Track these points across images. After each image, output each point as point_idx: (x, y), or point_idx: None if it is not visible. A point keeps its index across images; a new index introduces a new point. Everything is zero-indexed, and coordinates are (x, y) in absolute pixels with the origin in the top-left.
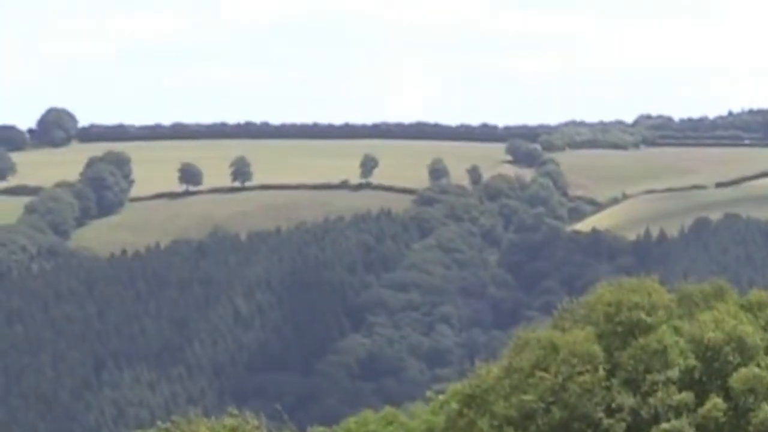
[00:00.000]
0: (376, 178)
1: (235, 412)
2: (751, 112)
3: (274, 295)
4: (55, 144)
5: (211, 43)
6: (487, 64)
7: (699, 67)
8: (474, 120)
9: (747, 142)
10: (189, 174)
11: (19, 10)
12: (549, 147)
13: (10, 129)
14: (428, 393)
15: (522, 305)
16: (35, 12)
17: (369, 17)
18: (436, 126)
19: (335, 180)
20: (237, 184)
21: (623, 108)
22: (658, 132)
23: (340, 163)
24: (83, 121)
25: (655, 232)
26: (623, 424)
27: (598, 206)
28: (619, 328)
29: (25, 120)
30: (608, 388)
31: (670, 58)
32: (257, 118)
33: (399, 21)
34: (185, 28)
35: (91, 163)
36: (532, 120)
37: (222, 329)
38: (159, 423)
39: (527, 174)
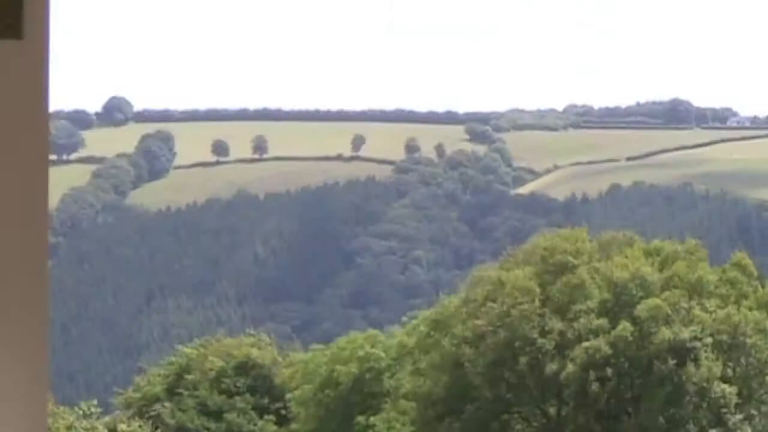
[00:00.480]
0: (363, 153)
1: (253, 332)
2: (654, 103)
3: (285, 243)
4: (116, 124)
5: (233, 45)
6: (451, 62)
7: (613, 64)
8: (440, 107)
9: (651, 126)
10: (219, 148)
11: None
12: (498, 129)
13: (81, 112)
14: (404, 319)
15: (476, 251)
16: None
17: (365, 20)
18: (411, 112)
19: (332, 154)
20: (256, 156)
21: (555, 98)
22: (582, 118)
23: (336, 140)
24: (137, 106)
25: (579, 195)
26: (553, 343)
27: (535, 174)
28: (552, 268)
29: (93, 105)
30: (542, 315)
31: (591, 56)
32: (272, 105)
33: (396, 22)
34: (217, 32)
35: (143, 139)
36: (485, 108)
37: (244, 268)
38: (196, 340)
39: (481, 150)
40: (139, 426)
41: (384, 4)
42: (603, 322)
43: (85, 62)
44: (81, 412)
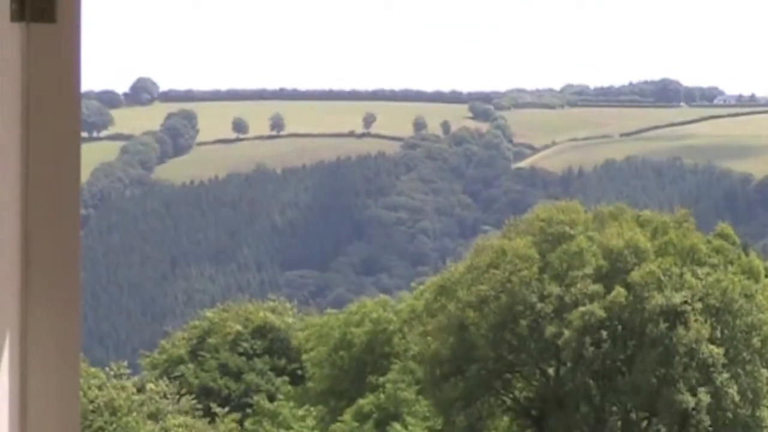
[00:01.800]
0: (374, 130)
1: (271, 298)
2: (645, 82)
3: (301, 214)
4: (143, 103)
5: (250, 33)
6: (457, 45)
7: (607, 46)
8: (445, 87)
9: (643, 104)
10: (239, 125)
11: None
12: (499, 107)
13: (110, 92)
14: (412, 285)
15: (479, 221)
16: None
17: (376, 5)
18: (418, 92)
19: (345, 131)
20: (274, 133)
21: (553, 79)
22: (578, 97)
23: (348, 118)
24: (163, 87)
25: (575, 169)
26: (551, 307)
27: (534, 150)
28: (550, 238)
29: (121, 86)
30: (541, 281)
31: (586, 38)
32: (289, 86)
33: (400, 17)
34: (236, 24)
35: (169, 117)
36: (487, 88)
37: (263, 237)
38: (218, 305)
39: (483, 127)
40: (166, 386)
41: None
42: (598, 287)
43: (114, 45)
44: (111, 373)
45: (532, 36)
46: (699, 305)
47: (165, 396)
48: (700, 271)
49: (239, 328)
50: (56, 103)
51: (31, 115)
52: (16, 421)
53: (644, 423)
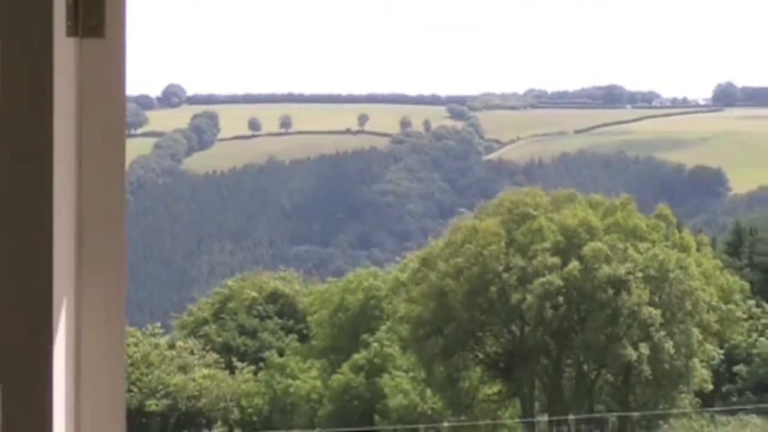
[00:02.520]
0: (367, 128)
1: (283, 269)
2: (595, 87)
3: (306, 198)
4: (172, 106)
5: (264, 42)
6: (435, 51)
7: (562, 55)
8: (426, 92)
9: (593, 106)
10: (254, 124)
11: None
12: (472, 108)
13: (145, 96)
14: (399, 258)
15: (456, 204)
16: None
17: (369, 20)
18: (403, 95)
19: (342, 128)
20: (283, 130)
21: (517, 84)
22: (539, 99)
23: (345, 118)
24: (189, 92)
25: (536, 161)
26: (516, 276)
27: (502, 144)
28: (515, 218)
29: (154, 91)
30: (507, 255)
31: (545, 49)
32: (295, 90)
33: (399, 19)
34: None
35: (194, 117)
36: (462, 92)
37: (274, 219)
38: (236, 275)
39: (459, 125)
40: (192, 343)
41: (385, 8)
42: (556, 260)
43: (148, 55)
44: (147, 332)
45: (501, 45)
46: (640, 275)
47: (192, 352)
48: (641, 246)
49: (254, 294)
50: (104, 109)
51: (83, 120)
52: (72, 373)
53: (594, 373)
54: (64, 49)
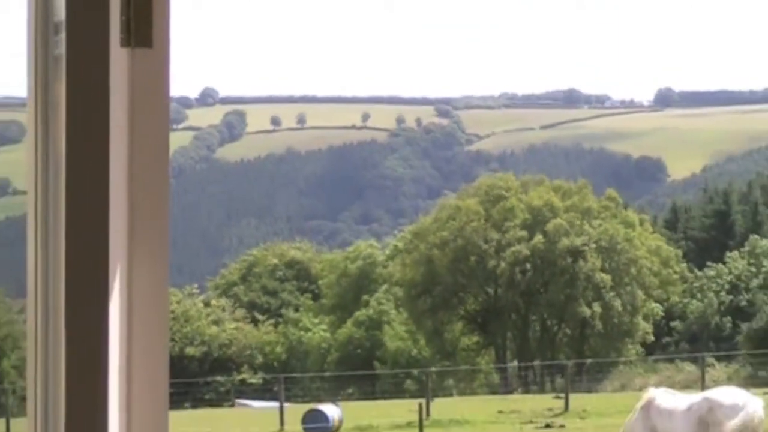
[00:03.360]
0: (369, 124)
1: (299, 240)
2: (557, 91)
3: (318, 182)
4: (208, 105)
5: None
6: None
7: (529, 63)
8: (418, 94)
9: (556, 106)
10: (275, 120)
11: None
12: (456, 108)
13: (185, 98)
14: (395, 232)
15: (442, 188)
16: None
17: (372, 29)
18: (399, 97)
19: (349, 124)
20: (299, 126)
21: (493, 88)
22: (511, 101)
23: (351, 116)
24: (222, 93)
25: (508, 152)
26: (492, 248)
27: (480, 138)
28: (491, 198)
29: (192, 93)
30: (485, 229)
31: (515, 58)
32: (309, 93)
33: (398, 20)
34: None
35: (226, 115)
36: (447, 94)
37: (292, 198)
38: (260, 245)
39: (444, 122)
40: (224, 301)
41: (386, 17)
42: (524, 234)
43: (187, 62)
44: (186, 292)
45: (478, 54)
46: (593, 246)
47: (224, 309)
48: (594, 222)
49: (275, 261)
50: (152, 109)
51: (134, 117)
52: (125, 325)
53: (555, 327)
54: (119, 58)
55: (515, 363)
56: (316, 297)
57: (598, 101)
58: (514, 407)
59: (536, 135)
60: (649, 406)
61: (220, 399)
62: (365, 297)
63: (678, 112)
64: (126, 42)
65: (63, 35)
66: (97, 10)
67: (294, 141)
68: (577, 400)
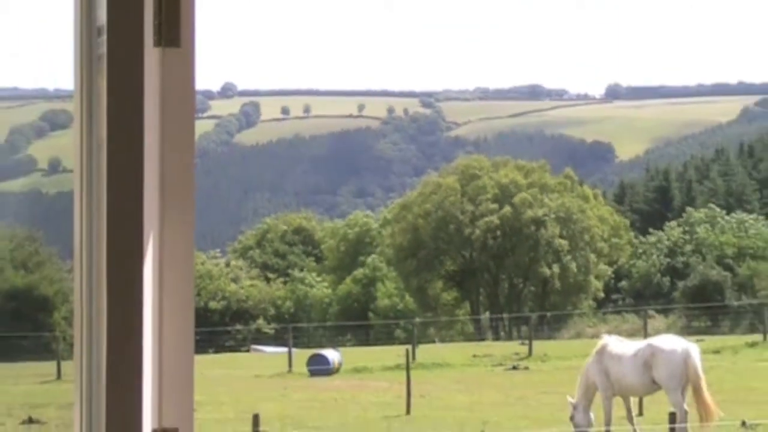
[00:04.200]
0: (364, 113)
1: (305, 211)
2: (522, 86)
3: (321, 162)
4: (228, 97)
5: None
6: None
7: (499, 60)
8: (405, 88)
9: (521, 98)
10: (285, 110)
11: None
12: (437, 100)
13: (209, 91)
14: (388, 203)
15: (426, 167)
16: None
17: (368, 29)
18: (388, 90)
19: (347, 114)
20: (305, 115)
21: (468, 82)
22: (483, 94)
23: (348, 107)
24: (240, 87)
25: (482, 137)
26: (468, 218)
27: (458, 125)
28: (467, 177)
29: (214, 86)
30: (462, 203)
31: (486, 55)
32: (313, 87)
33: (397, 20)
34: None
35: (243, 106)
36: (430, 88)
37: (298, 176)
38: (272, 215)
39: (428, 111)
40: (241, 263)
41: (382, 19)
42: (495, 206)
43: (210, 59)
44: (209, 255)
45: (455, 51)
46: (553, 216)
47: (241, 269)
48: (552, 196)
49: (285, 228)
50: (180, 100)
51: (164, 107)
52: (157, 282)
53: (521, 285)
54: (151, 57)
55: (487, 315)
56: (318, 259)
57: (557, 94)
58: (487, 352)
59: (505, 123)
60: (603, 350)
61: (238, 345)
62: (361, 258)
63: (625, 103)
64: (157, 42)
65: (104, 37)
66: (133, 15)
67: (300, 128)
68: (539, 346)
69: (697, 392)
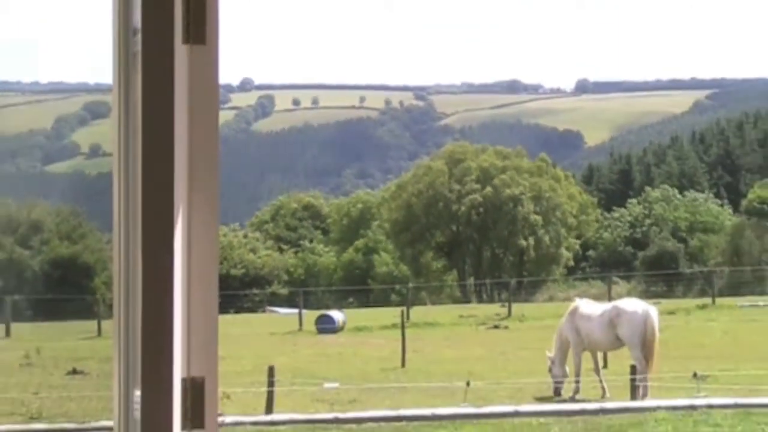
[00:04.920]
0: (365, 105)
1: (313, 190)
2: (503, 81)
3: (328, 147)
4: (246, 91)
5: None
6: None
7: (482, 57)
8: (400, 83)
9: (502, 92)
10: (296, 102)
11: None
12: (429, 93)
13: (229, 85)
14: (384, 184)
15: (420, 153)
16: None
17: (368, 27)
18: (386, 85)
19: (349, 105)
20: (313, 106)
21: (454, 77)
22: (468, 88)
23: (352, 98)
24: (257, 82)
25: (467, 126)
26: (455, 196)
27: (446, 116)
28: (454, 160)
29: (235, 80)
30: (450, 183)
31: (471, 52)
32: (322, 81)
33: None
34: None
35: (259, 98)
36: (422, 83)
37: (308, 160)
38: (285, 194)
39: (420, 103)
40: (258, 235)
41: (383, 17)
42: (478, 186)
43: (230, 56)
44: (230, 229)
45: (444, 48)
46: (529, 195)
47: (258, 240)
48: (528, 177)
49: (296, 205)
50: (205, 95)
51: (192, 99)
52: (186, 250)
53: (501, 255)
54: (180, 53)
55: (472, 281)
56: (325, 232)
57: (533, 89)
58: (471, 313)
59: (487, 113)
60: (575, 311)
61: (255, 307)
62: (362, 231)
63: (592, 96)
64: (186, 40)
65: (139, 37)
66: (164, 17)
67: (309, 117)
68: (517, 308)
69: (650, 348)
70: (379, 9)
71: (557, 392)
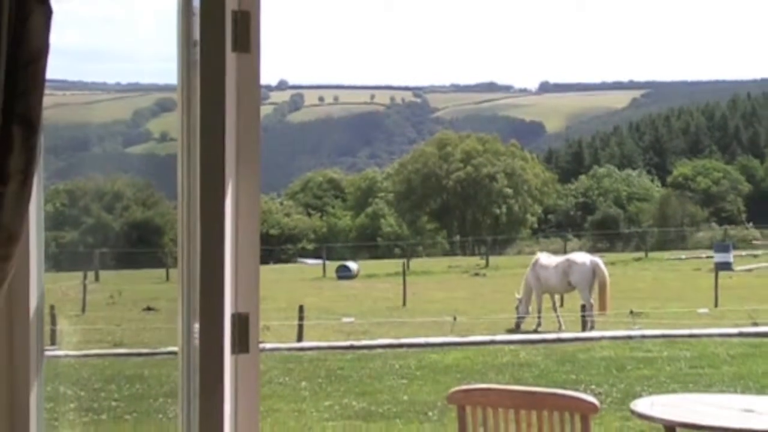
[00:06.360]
0: (374, 101)
1: (334, 168)
2: (483, 82)
3: (343, 135)
4: (282, 89)
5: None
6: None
7: (463, 59)
8: (402, 83)
9: (481, 91)
10: (321, 99)
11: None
12: (425, 92)
13: (268, 85)
14: (390, 162)
15: (417, 140)
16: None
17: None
18: (390, 85)
19: (361, 101)
20: (335, 102)
21: (443, 79)
22: (454, 88)
23: (364, 96)
24: (291, 82)
25: (455, 118)
26: (444, 172)
27: (439, 110)
28: (442, 145)
29: (273, 81)
30: (440, 163)
31: (458, 55)
32: (340, 82)
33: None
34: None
35: (292, 95)
36: (419, 83)
37: (327, 146)
38: (310, 171)
39: (418, 100)
40: (291, 203)
41: (391, 20)
42: (461, 165)
43: (269, 62)
44: (269, 197)
45: (439, 49)
46: (503, 173)
47: (291, 207)
48: (503, 159)
49: (321, 179)
50: (250, 94)
51: (239, 99)
52: (234, 215)
53: (480, 219)
54: (230, 60)
55: (458, 238)
56: (343, 200)
57: (506, 89)
58: (457, 264)
59: (471, 108)
60: (536, 263)
61: (288, 259)
62: (371, 200)
63: (552, 95)
64: (233, 49)
65: (197, 48)
66: (218, 33)
67: (331, 111)
68: (493, 260)
69: (603, 290)
70: (385, 25)
71: (518, 326)
